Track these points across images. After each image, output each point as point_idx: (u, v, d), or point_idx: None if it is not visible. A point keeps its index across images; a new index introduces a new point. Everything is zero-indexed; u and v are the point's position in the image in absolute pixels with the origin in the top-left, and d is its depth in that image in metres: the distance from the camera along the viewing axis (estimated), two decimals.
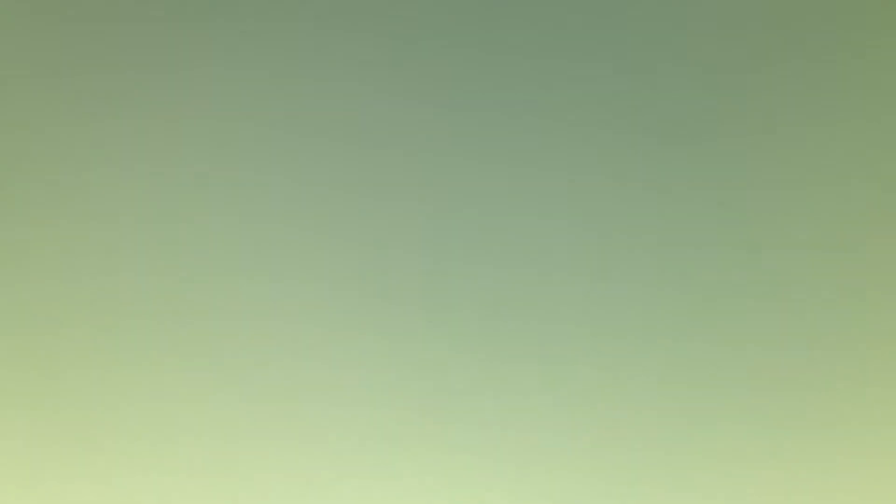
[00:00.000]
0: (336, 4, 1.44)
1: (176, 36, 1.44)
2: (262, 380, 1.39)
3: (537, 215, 1.40)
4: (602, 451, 1.37)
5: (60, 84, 1.43)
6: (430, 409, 1.37)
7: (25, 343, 1.39)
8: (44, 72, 1.44)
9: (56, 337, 1.39)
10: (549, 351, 1.38)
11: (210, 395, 1.38)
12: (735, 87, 1.41)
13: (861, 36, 1.40)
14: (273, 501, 1.37)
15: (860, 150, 1.39)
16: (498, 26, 1.43)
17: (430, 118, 1.42)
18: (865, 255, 1.38)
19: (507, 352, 1.38)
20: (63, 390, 1.38)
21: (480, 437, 1.37)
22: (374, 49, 1.43)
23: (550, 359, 1.38)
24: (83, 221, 1.41)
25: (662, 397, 1.37)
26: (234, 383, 1.39)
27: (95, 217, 1.41)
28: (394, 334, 1.39)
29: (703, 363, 1.37)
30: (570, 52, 1.42)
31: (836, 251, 1.38)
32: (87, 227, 1.41)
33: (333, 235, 1.41)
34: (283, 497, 1.37)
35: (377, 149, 1.42)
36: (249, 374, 1.39)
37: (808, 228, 1.39)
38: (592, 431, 1.37)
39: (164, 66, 1.44)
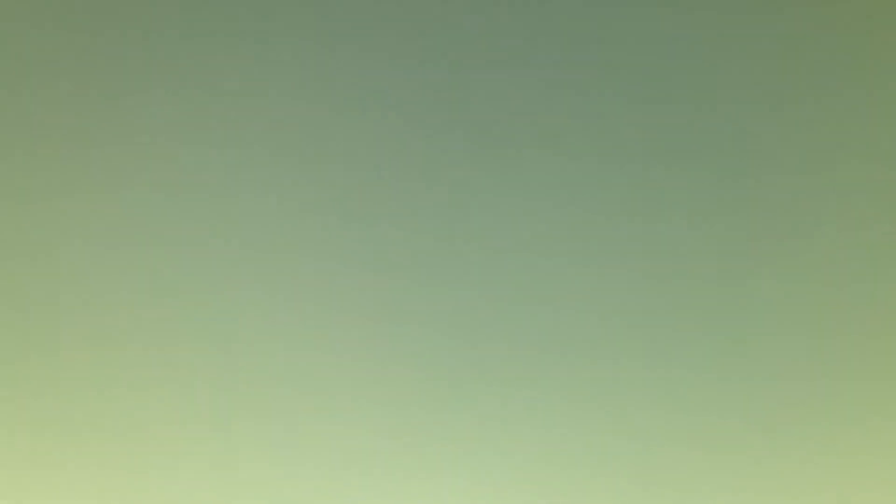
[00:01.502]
0: (344, 18, 1.45)
1: (178, 45, 1.45)
2: (265, 382, 1.38)
3: (543, 226, 1.41)
4: (608, 453, 1.37)
5: (61, 88, 1.44)
6: (432, 411, 1.37)
7: (26, 342, 1.39)
8: (45, 75, 1.44)
9: (56, 336, 1.39)
10: (556, 353, 1.38)
11: (213, 397, 1.38)
12: (751, 111, 1.43)
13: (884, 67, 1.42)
14: (275, 502, 1.36)
15: (879, 170, 1.41)
16: (505, 40, 1.44)
17: (434, 128, 1.43)
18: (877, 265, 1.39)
19: (513, 354, 1.38)
20: (63, 390, 1.38)
21: (485, 438, 1.37)
22: (383, 65, 1.44)
23: (558, 361, 1.38)
24: (85, 222, 1.41)
25: (671, 404, 1.37)
26: (235, 386, 1.38)
27: (99, 218, 1.41)
28: (398, 338, 1.39)
29: (704, 367, 1.38)
30: (579, 69, 1.44)
31: (851, 264, 1.39)
32: (88, 229, 1.41)
33: (339, 238, 1.41)
34: (286, 498, 1.36)
35: (380, 160, 1.43)
36: (252, 376, 1.38)
37: (832, 243, 1.40)
38: (598, 434, 1.37)
39: (166, 73, 1.44)
